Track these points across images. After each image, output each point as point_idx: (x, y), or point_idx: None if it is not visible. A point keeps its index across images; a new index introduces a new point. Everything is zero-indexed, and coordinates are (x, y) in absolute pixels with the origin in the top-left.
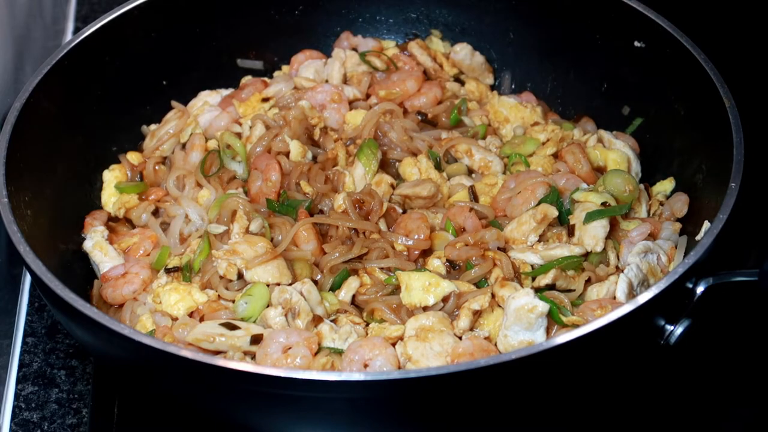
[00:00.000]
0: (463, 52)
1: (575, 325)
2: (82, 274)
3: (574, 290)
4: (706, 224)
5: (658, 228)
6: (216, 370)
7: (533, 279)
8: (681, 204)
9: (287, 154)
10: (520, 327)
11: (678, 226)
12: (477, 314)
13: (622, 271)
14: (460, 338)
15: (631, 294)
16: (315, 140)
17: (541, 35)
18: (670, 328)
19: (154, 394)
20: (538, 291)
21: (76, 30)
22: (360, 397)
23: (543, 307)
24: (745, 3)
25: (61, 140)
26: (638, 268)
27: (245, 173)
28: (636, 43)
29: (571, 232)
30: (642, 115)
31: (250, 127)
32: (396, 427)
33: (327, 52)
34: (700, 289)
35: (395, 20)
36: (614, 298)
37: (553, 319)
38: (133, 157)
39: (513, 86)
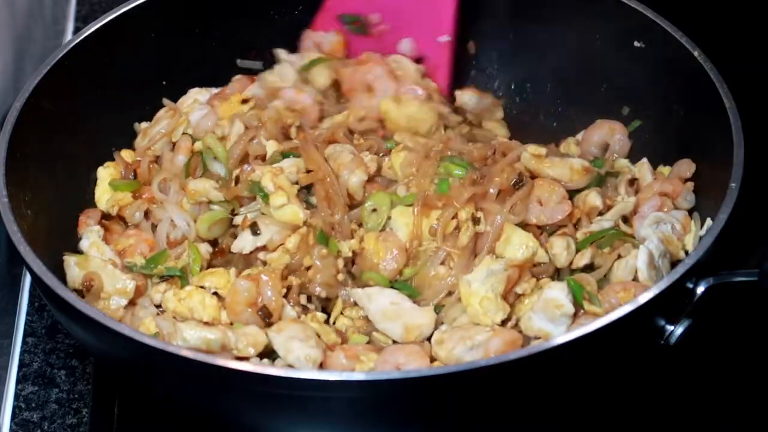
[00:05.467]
0: (466, 96)
1: (595, 315)
2: None
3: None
4: (707, 223)
5: (678, 191)
6: (216, 370)
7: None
8: (686, 166)
9: (264, 157)
10: (544, 316)
11: (690, 184)
12: (517, 296)
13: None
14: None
15: (653, 265)
16: (292, 139)
17: (541, 35)
18: (670, 328)
19: (155, 396)
20: (573, 272)
21: (76, 30)
22: (360, 397)
23: (569, 308)
24: (745, 3)
25: (61, 140)
26: (657, 239)
27: (227, 175)
28: (636, 43)
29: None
30: (642, 115)
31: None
32: (396, 427)
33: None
34: (700, 289)
35: None
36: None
37: (576, 303)
38: (127, 154)
39: (513, 86)
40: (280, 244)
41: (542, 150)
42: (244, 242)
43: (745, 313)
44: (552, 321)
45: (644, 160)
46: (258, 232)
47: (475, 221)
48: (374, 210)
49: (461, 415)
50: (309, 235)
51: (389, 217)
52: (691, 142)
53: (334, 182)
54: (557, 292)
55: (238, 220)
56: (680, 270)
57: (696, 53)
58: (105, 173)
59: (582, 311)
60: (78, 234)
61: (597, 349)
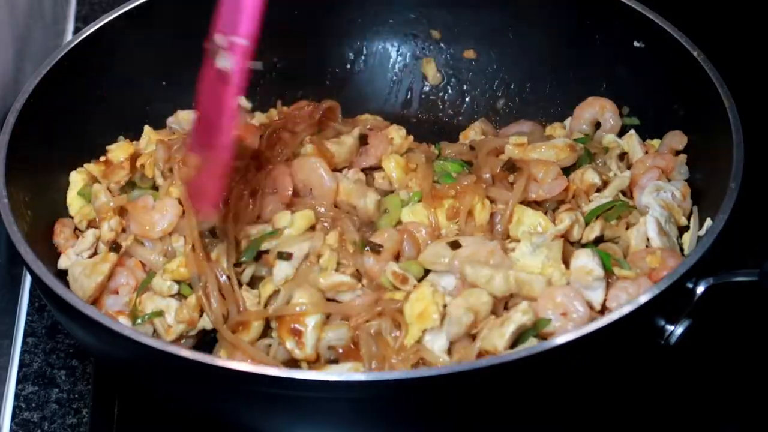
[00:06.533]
0: (472, 132)
1: (627, 278)
2: None
3: (620, 237)
4: (707, 223)
5: (671, 165)
6: (216, 370)
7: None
8: (678, 138)
9: None
10: (580, 285)
11: (683, 157)
12: None
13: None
14: None
15: (662, 231)
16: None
17: (541, 35)
18: (670, 328)
19: (155, 396)
20: (586, 246)
21: (76, 30)
22: (360, 397)
23: (599, 272)
24: (745, 3)
25: (61, 140)
26: (659, 206)
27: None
28: (636, 43)
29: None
30: (641, 115)
31: None
32: (397, 427)
33: (326, 55)
34: (700, 289)
35: (395, 21)
36: (647, 239)
37: (606, 270)
38: (95, 168)
39: (512, 86)
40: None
41: (523, 139)
42: (284, 271)
43: (745, 313)
44: (588, 288)
45: (632, 132)
46: (287, 256)
47: (492, 201)
48: (385, 211)
49: (462, 415)
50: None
51: (399, 221)
52: (691, 142)
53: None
54: (584, 259)
55: None
56: (680, 270)
57: (696, 53)
58: (77, 178)
59: (615, 277)
60: (54, 242)
61: (597, 349)
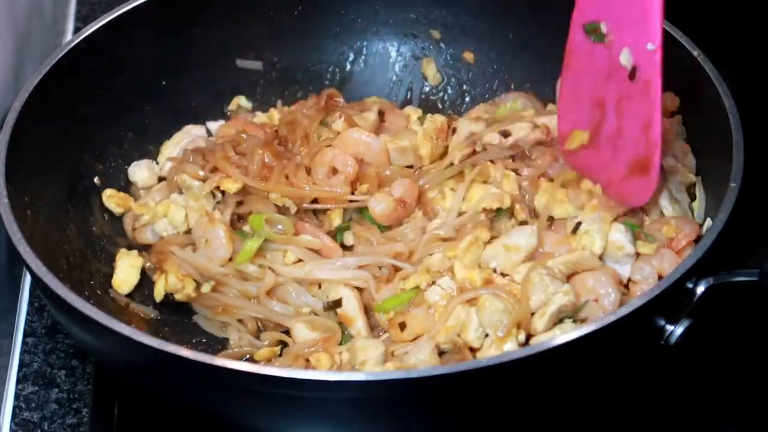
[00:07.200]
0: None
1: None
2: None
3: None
4: (707, 223)
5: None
6: (216, 369)
7: None
8: (669, 100)
9: None
10: (608, 259)
11: (678, 117)
12: None
13: None
14: None
15: (674, 199)
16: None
17: (541, 35)
18: (670, 328)
19: (155, 396)
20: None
21: (76, 30)
22: (360, 397)
23: (629, 249)
24: (745, 3)
25: (61, 140)
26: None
27: None
28: None
29: None
30: None
31: None
32: (397, 427)
33: (326, 55)
34: (700, 289)
35: (395, 21)
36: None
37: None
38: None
39: (512, 86)
40: None
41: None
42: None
43: (745, 313)
44: (617, 262)
45: None
46: None
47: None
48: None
49: (461, 415)
50: None
51: None
52: (691, 142)
53: None
54: (618, 235)
55: None
56: (680, 270)
57: (696, 53)
58: (127, 259)
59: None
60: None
61: (597, 349)
